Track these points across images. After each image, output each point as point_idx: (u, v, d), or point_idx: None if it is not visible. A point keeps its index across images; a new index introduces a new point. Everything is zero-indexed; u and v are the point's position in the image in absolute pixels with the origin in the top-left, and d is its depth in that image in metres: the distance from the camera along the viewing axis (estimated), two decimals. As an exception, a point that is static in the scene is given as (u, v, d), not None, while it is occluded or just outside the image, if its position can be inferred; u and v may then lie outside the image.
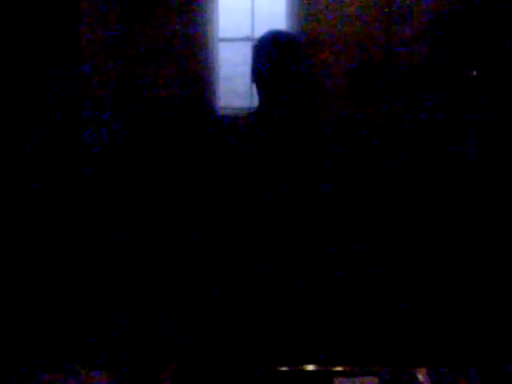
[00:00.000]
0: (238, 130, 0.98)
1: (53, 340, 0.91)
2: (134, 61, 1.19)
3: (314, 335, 0.95)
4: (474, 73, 0.80)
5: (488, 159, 0.82)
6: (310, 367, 0.96)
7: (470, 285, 0.94)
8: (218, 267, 0.94)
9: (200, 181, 0.86)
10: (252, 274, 0.99)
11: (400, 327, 0.95)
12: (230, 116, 0.93)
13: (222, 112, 1.24)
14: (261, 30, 1.16)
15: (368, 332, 0.94)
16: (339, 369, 0.96)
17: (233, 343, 0.99)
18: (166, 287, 0.90)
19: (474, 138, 0.82)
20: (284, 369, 0.96)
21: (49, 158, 0.85)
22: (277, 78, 1.02)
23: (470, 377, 0.98)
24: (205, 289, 0.96)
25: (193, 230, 0.88)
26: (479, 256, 0.93)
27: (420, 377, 0.98)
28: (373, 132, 0.79)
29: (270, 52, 1.03)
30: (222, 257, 0.95)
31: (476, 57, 0.80)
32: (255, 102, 1.01)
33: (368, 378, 0.97)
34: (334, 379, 0.96)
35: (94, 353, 0.94)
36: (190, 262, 0.87)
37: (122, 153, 0.86)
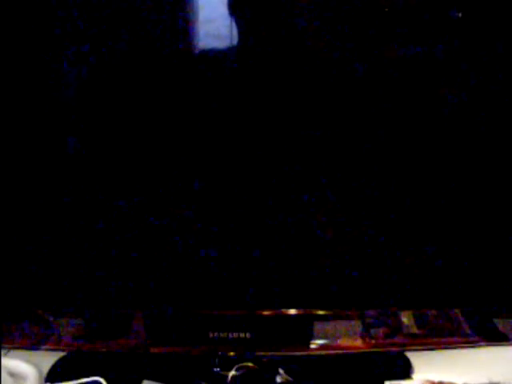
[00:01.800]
0: (218, 70, 0.93)
1: (16, 287, 0.88)
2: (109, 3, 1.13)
3: (293, 279, 0.93)
4: (460, 15, 0.77)
5: (477, 104, 0.81)
6: (291, 311, 0.94)
7: (458, 226, 0.93)
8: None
9: (177, 125, 0.83)
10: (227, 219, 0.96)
11: (383, 269, 0.94)
12: (210, 58, 0.88)
13: (201, 54, 1.19)
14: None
15: (350, 274, 0.93)
16: (321, 312, 0.95)
17: (209, 286, 0.97)
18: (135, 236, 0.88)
19: (462, 84, 0.80)
20: (263, 313, 0.94)
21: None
22: (258, 8, 0.96)
23: (454, 319, 0.98)
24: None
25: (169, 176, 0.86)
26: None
27: (405, 319, 0.97)
28: (358, 77, 0.77)
29: None
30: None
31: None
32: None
33: (350, 322, 0.96)
34: (314, 323, 0.94)
35: (61, 299, 0.91)
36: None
37: (97, 94, 0.83)
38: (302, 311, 0.95)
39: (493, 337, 1.02)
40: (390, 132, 0.92)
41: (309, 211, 0.94)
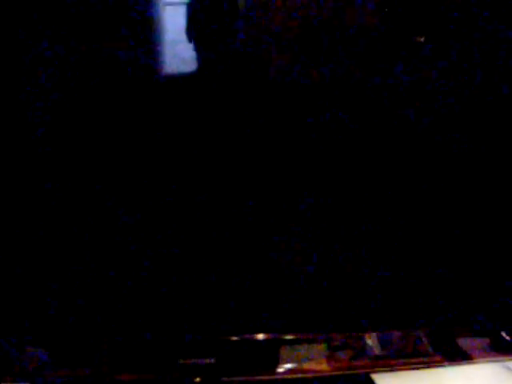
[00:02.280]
0: (182, 93, 0.93)
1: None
2: (74, 23, 1.12)
3: (259, 303, 0.93)
4: (422, 39, 0.79)
5: (439, 122, 0.83)
6: (257, 336, 0.94)
7: (418, 248, 0.94)
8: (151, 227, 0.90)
9: (141, 147, 0.83)
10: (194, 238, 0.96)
11: (346, 293, 0.94)
12: (175, 81, 0.88)
13: (166, 77, 1.19)
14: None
15: (315, 298, 0.93)
16: (287, 337, 0.95)
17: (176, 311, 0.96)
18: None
19: (426, 104, 0.82)
20: (229, 338, 0.93)
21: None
22: (215, 34, 0.96)
23: (418, 340, 0.99)
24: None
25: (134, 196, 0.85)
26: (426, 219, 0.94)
27: (369, 341, 0.98)
28: (320, 95, 0.78)
29: (206, 5, 0.97)
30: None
31: (425, 22, 0.80)
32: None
33: (316, 346, 0.96)
34: (281, 348, 0.94)
35: (24, 328, 0.89)
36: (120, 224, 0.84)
37: (62, 118, 0.82)
38: (268, 336, 0.95)
39: (455, 356, 1.03)
40: (364, 148, 0.92)
41: (272, 238, 0.94)
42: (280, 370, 0.97)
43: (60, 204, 0.90)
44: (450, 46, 0.91)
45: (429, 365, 1.02)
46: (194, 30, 0.94)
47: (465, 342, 1.03)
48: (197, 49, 0.91)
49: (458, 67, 0.91)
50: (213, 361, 0.95)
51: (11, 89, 0.87)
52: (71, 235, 0.91)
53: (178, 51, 0.90)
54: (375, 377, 1.07)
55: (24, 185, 0.89)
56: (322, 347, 0.98)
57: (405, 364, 1.01)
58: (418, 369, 1.02)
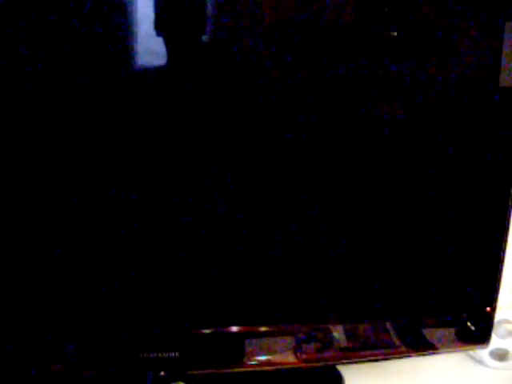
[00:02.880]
0: (151, 87, 0.91)
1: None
2: (45, 16, 1.08)
3: (224, 295, 0.92)
4: (395, 33, 0.79)
5: (414, 119, 0.83)
6: (224, 329, 0.92)
7: (383, 238, 0.94)
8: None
9: (111, 141, 0.81)
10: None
11: (312, 283, 0.94)
12: (147, 74, 0.86)
13: (138, 70, 1.16)
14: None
15: (281, 290, 0.93)
16: (253, 329, 0.94)
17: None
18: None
19: (399, 98, 0.82)
20: (194, 331, 0.92)
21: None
22: (181, 26, 0.94)
23: (386, 331, 0.99)
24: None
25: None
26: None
27: (336, 334, 0.98)
28: (293, 92, 0.77)
29: None
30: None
31: (397, 16, 0.80)
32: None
33: (282, 338, 0.96)
34: (246, 341, 0.93)
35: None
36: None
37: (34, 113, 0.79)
38: (235, 329, 0.94)
39: (421, 347, 1.04)
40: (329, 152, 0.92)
41: (237, 229, 0.93)
42: (246, 362, 0.96)
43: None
44: (423, 40, 0.90)
45: (395, 355, 1.03)
46: (162, 24, 0.92)
47: (430, 333, 1.03)
48: (166, 43, 0.89)
49: (431, 61, 0.91)
50: (176, 354, 0.94)
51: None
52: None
53: (150, 45, 0.88)
54: (342, 368, 1.07)
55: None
56: (288, 340, 0.97)
57: (371, 355, 1.01)
58: (384, 360, 1.02)
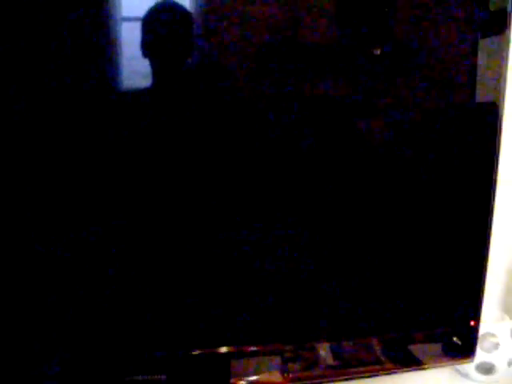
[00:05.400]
0: (136, 109, 0.92)
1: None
2: (31, 41, 1.08)
3: (211, 317, 0.92)
4: (378, 51, 0.80)
5: (396, 137, 0.84)
6: (210, 350, 0.92)
7: (370, 255, 0.94)
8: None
9: (98, 163, 0.82)
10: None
11: (299, 303, 0.94)
12: (132, 96, 0.87)
13: (123, 92, 1.16)
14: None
15: (267, 310, 0.93)
16: (239, 349, 0.94)
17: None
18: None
19: (387, 116, 0.83)
20: (181, 353, 0.92)
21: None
22: (167, 50, 0.95)
23: (372, 349, 0.99)
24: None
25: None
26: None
27: (322, 352, 0.98)
28: (281, 112, 0.78)
29: (158, 22, 0.97)
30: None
31: (381, 35, 0.81)
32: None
33: (269, 358, 0.95)
34: (232, 361, 0.93)
35: None
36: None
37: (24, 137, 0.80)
38: (222, 349, 0.94)
39: (408, 362, 1.04)
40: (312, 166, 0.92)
41: (226, 251, 0.93)
42: (235, 383, 0.96)
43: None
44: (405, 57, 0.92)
45: (381, 372, 1.03)
46: (149, 46, 0.94)
47: (417, 348, 1.03)
48: (152, 64, 0.90)
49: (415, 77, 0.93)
50: (164, 377, 0.93)
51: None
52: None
53: (134, 66, 0.89)
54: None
55: None
56: (275, 359, 0.97)
57: (359, 372, 1.01)
58: (371, 376, 1.02)
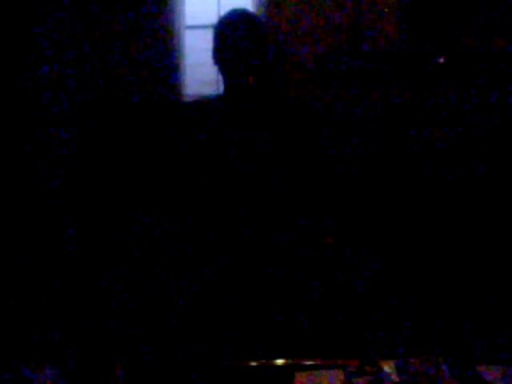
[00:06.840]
0: (204, 116, 0.94)
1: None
2: (98, 48, 1.12)
3: (276, 329, 0.93)
4: (442, 60, 0.79)
5: (458, 144, 0.82)
6: (275, 362, 0.93)
7: (435, 275, 0.93)
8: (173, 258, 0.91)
9: (166, 170, 0.84)
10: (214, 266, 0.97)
11: (365, 319, 0.93)
12: (197, 103, 0.90)
13: (188, 100, 1.20)
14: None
15: (333, 324, 0.93)
16: (305, 363, 0.94)
17: (188, 338, 0.96)
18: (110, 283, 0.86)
19: (444, 125, 0.81)
20: (246, 363, 0.93)
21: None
22: (240, 59, 0.98)
23: (438, 367, 0.97)
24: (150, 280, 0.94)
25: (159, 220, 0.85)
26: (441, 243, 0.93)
27: (387, 368, 0.96)
28: (342, 118, 0.78)
29: (233, 30, 0.99)
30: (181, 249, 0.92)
31: (445, 43, 0.80)
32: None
33: (332, 372, 0.95)
34: (296, 373, 0.93)
35: (42, 349, 0.89)
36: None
37: (88, 144, 0.83)
38: (286, 361, 0.94)
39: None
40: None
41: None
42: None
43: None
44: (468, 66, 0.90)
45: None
46: (221, 53, 0.95)
47: (485, 369, 1.01)
48: (221, 71, 0.92)
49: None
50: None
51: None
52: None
53: (199, 74, 0.91)
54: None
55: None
56: (338, 373, 0.97)
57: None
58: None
